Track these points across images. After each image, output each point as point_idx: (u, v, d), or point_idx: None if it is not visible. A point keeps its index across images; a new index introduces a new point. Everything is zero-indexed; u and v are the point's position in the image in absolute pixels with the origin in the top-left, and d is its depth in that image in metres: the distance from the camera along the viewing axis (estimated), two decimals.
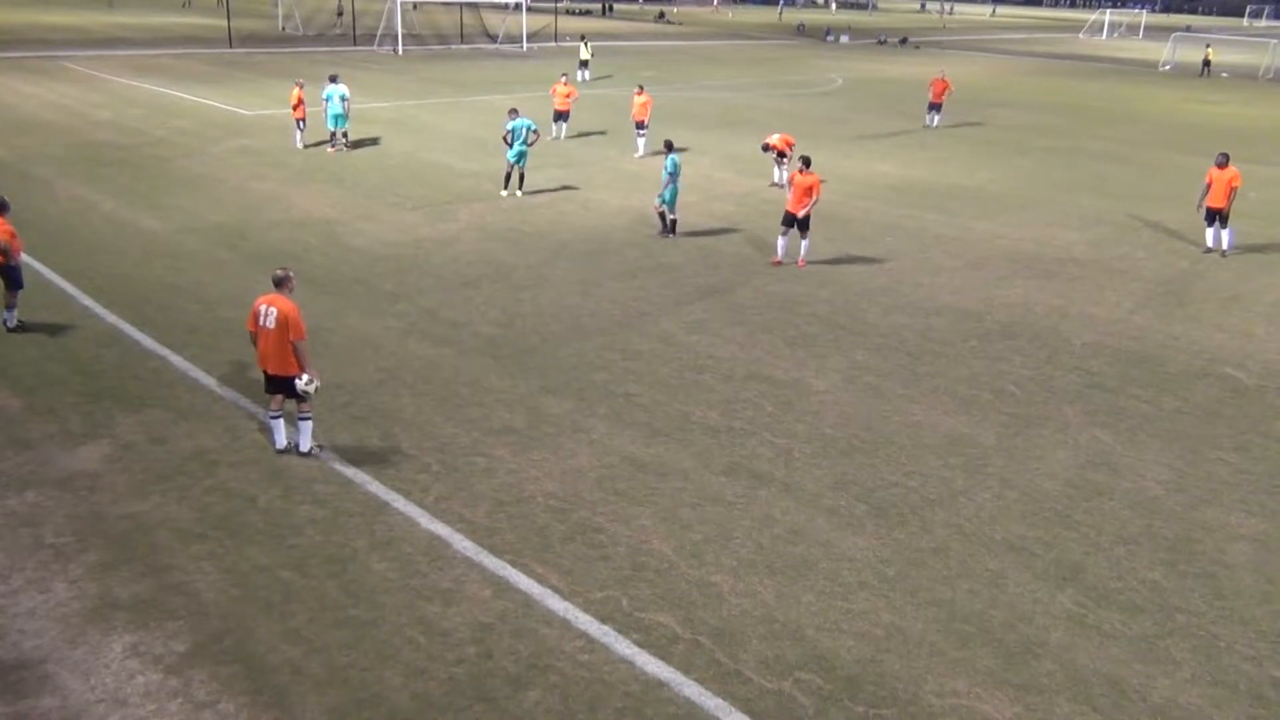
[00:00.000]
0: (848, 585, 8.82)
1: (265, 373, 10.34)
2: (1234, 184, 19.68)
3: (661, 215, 19.82)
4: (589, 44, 46.99)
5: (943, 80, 35.79)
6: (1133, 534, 9.85)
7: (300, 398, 10.34)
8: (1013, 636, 8.23)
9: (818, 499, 10.23)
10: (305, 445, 10.57)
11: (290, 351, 10.07)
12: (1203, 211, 20.23)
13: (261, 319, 10.04)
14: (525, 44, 59.93)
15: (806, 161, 17.99)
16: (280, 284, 10.21)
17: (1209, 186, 19.89)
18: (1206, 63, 67.35)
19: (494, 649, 7.78)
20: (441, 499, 9.88)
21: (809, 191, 17.66)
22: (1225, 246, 20.18)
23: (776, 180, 25.30)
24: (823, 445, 11.40)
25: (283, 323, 9.95)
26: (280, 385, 10.33)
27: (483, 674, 7.51)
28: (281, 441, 10.57)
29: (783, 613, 8.39)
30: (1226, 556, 9.54)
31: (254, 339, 10.26)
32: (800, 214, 17.80)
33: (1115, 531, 9.88)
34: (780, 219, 18.31)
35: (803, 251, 18.14)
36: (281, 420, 10.58)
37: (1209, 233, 20.33)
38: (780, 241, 18.18)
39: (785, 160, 25.06)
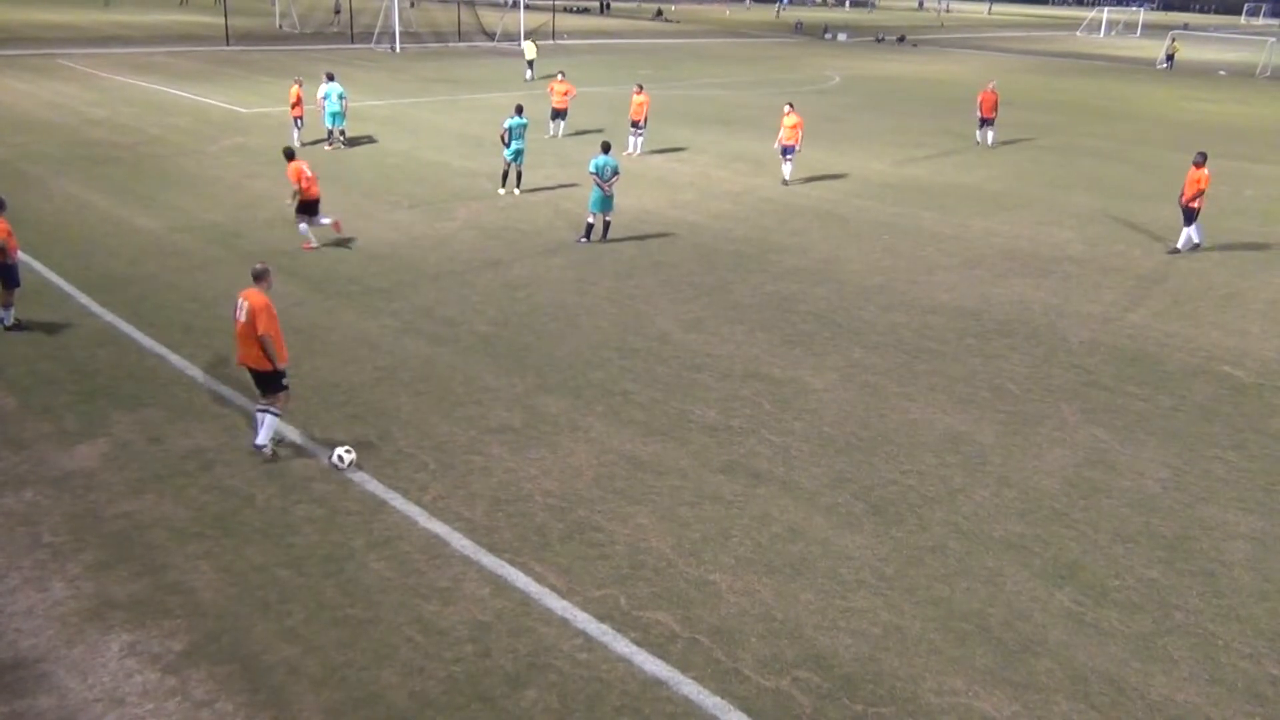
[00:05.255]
0: (846, 583, 8.82)
1: (247, 369, 10.34)
2: (1200, 185, 19.68)
3: (592, 224, 19.18)
4: (536, 42, 46.94)
5: (993, 92, 32.10)
6: (1130, 532, 9.86)
7: (269, 390, 10.33)
8: (1011, 635, 8.24)
9: (816, 497, 10.23)
10: (262, 439, 10.43)
11: (258, 345, 10.05)
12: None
13: (236, 312, 10.09)
14: (522, 42, 59.79)
15: (288, 154, 17.98)
16: (258, 278, 10.22)
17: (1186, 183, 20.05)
18: (1170, 56, 67.01)
19: (492, 647, 7.77)
20: (439, 498, 9.87)
21: (300, 178, 17.50)
22: (1180, 244, 20.22)
23: (787, 178, 25.27)
24: (820, 443, 11.40)
25: (252, 316, 9.92)
26: (259, 380, 10.35)
27: (480, 673, 7.50)
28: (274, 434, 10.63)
29: (781, 611, 8.39)
30: (1224, 554, 9.55)
31: None
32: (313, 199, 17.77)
33: (1113, 529, 9.88)
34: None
35: (312, 238, 17.86)
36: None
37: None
38: (302, 228, 17.88)
39: (793, 155, 25.06)
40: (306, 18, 66.37)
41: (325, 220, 18.17)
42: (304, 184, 17.57)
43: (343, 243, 18.30)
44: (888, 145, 31.80)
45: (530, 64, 44.14)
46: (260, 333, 9.92)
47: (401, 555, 8.91)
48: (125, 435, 10.83)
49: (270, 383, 10.31)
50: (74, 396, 11.70)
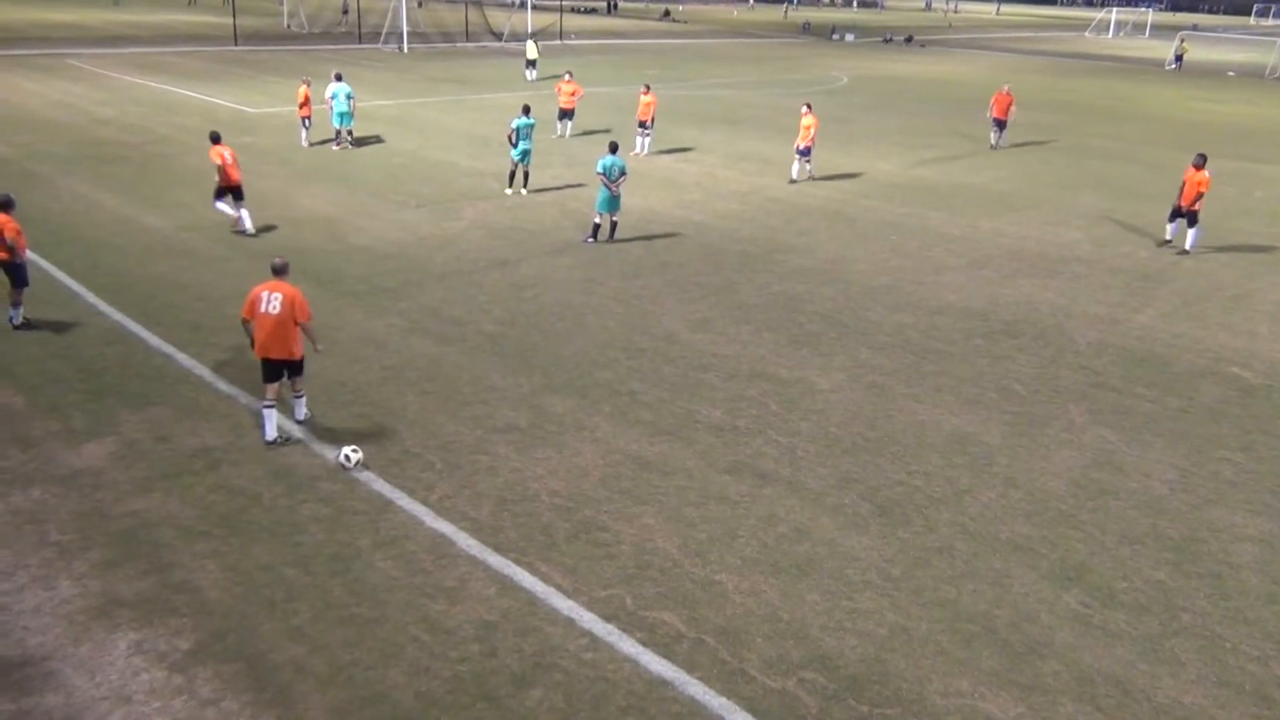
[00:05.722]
0: (852, 584, 8.81)
1: (266, 360, 10.56)
2: (1201, 187, 19.64)
3: (599, 224, 19.15)
4: (538, 43, 46.89)
5: (1007, 94, 31.52)
6: (1138, 534, 9.82)
7: (296, 373, 10.75)
8: (1017, 636, 8.22)
9: (822, 498, 10.21)
10: (302, 414, 11.21)
11: (294, 334, 10.43)
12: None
13: (264, 305, 10.33)
14: (527, 41, 59.83)
15: (213, 137, 18.47)
16: (282, 271, 10.61)
17: (1184, 184, 19.98)
18: (1179, 56, 66.69)
19: (498, 647, 7.77)
20: (445, 497, 9.88)
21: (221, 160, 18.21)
22: (1188, 245, 20.11)
23: (794, 177, 25.45)
24: (827, 444, 11.39)
25: (288, 306, 10.33)
26: (282, 369, 10.65)
27: (486, 672, 7.51)
28: (272, 432, 10.75)
29: (787, 612, 8.38)
30: (1232, 556, 9.51)
31: (246, 327, 10.54)
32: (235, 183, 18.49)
33: (1120, 531, 9.85)
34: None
35: (236, 215, 18.53)
36: (274, 410, 10.75)
37: (1169, 226, 20.44)
38: (218, 205, 18.61)
39: (803, 155, 25.20)
40: (314, 18, 66.46)
41: (236, 211, 18.58)
42: (226, 167, 18.21)
43: (240, 233, 18.61)
44: (895, 145, 31.75)
45: (532, 64, 43.94)
46: (304, 320, 10.44)
47: (408, 555, 8.92)
48: (133, 434, 10.86)
49: (300, 368, 10.77)
50: (82, 395, 11.74)
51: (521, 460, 10.69)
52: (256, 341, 10.47)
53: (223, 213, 18.61)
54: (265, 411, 10.72)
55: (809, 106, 25.21)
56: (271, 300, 10.31)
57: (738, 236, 20.09)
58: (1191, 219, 19.90)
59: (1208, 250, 20.33)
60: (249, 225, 18.51)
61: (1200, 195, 19.69)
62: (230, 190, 18.45)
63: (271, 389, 10.64)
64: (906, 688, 7.57)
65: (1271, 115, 44.05)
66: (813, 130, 24.93)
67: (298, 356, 10.63)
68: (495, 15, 69.04)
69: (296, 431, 11.03)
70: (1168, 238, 20.36)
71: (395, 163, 25.60)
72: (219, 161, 18.14)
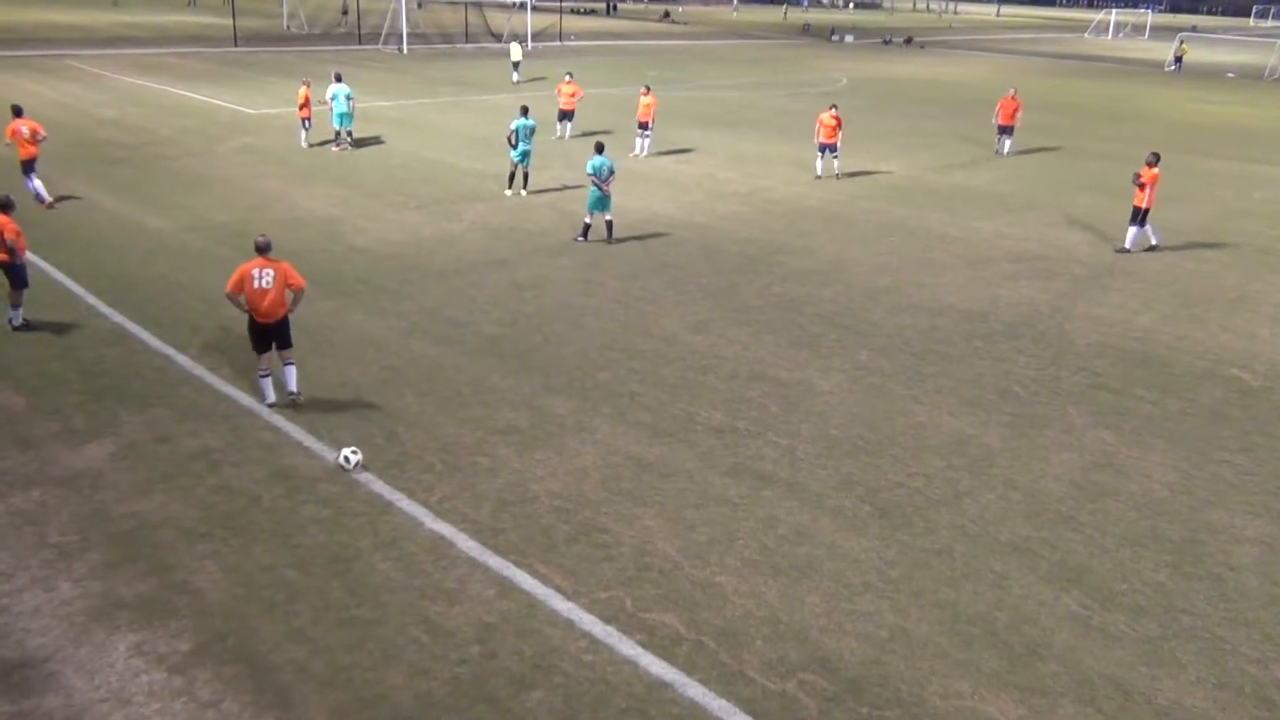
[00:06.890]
0: (852, 586, 8.81)
1: (258, 329, 11.18)
2: (1143, 179, 19.64)
3: (589, 224, 19.19)
4: (523, 45, 46.78)
5: (1013, 99, 30.44)
6: (1138, 535, 9.82)
7: (287, 345, 11.38)
8: (1017, 638, 8.22)
9: (822, 500, 10.21)
10: (293, 385, 11.66)
11: (284, 300, 11.21)
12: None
13: (257, 281, 11.01)
14: (529, 43, 59.89)
15: (15, 110, 20.02)
16: (267, 249, 11.23)
17: (1140, 183, 19.85)
18: (1178, 58, 66.62)
19: (497, 649, 7.77)
20: (445, 499, 9.88)
21: (12, 134, 19.59)
22: (1128, 244, 20.10)
23: (819, 173, 25.68)
24: (827, 446, 11.39)
25: (282, 278, 11.13)
26: (271, 338, 11.35)
27: (486, 674, 7.51)
28: (271, 397, 11.53)
29: (787, 614, 8.38)
30: (1232, 558, 9.51)
31: (234, 300, 11.09)
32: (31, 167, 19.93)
33: (1120, 533, 9.85)
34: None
35: (45, 194, 19.72)
36: (270, 379, 11.45)
37: (1149, 230, 20.19)
38: (32, 185, 19.74)
39: (831, 151, 25.55)
40: (314, 19, 66.52)
41: (37, 184, 19.76)
42: (18, 141, 19.56)
43: (50, 205, 19.65)
44: (895, 147, 31.75)
45: (515, 66, 43.70)
46: (301, 287, 11.27)
47: (407, 556, 8.92)
48: (133, 435, 10.87)
49: (287, 335, 11.43)
50: (82, 396, 11.74)
51: (521, 462, 10.69)
52: (251, 311, 11.11)
53: (35, 191, 19.57)
54: (262, 381, 11.50)
55: (834, 106, 25.72)
56: (264, 276, 11.06)
57: (738, 238, 20.10)
58: (1138, 217, 19.88)
59: (1206, 250, 20.33)
60: (44, 194, 19.60)
61: (1146, 188, 19.64)
62: (26, 164, 19.65)
63: (264, 359, 11.43)
64: (906, 689, 7.57)
65: (1271, 116, 44.06)
66: (838, 130, 25.40)
67: (283, 314, 11.27)
68: (495, 16, 69.06)
69: (300, 436, 11.02)
70: (1154, 242, 20.21)
71: (395, 164, 25.62)
72: (24, 133, 19.23)
